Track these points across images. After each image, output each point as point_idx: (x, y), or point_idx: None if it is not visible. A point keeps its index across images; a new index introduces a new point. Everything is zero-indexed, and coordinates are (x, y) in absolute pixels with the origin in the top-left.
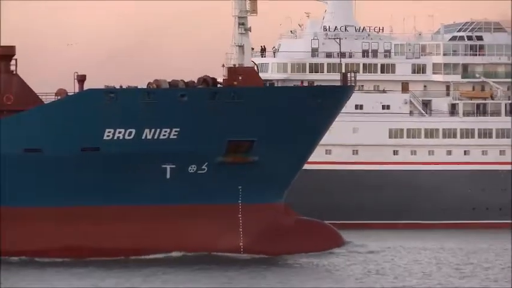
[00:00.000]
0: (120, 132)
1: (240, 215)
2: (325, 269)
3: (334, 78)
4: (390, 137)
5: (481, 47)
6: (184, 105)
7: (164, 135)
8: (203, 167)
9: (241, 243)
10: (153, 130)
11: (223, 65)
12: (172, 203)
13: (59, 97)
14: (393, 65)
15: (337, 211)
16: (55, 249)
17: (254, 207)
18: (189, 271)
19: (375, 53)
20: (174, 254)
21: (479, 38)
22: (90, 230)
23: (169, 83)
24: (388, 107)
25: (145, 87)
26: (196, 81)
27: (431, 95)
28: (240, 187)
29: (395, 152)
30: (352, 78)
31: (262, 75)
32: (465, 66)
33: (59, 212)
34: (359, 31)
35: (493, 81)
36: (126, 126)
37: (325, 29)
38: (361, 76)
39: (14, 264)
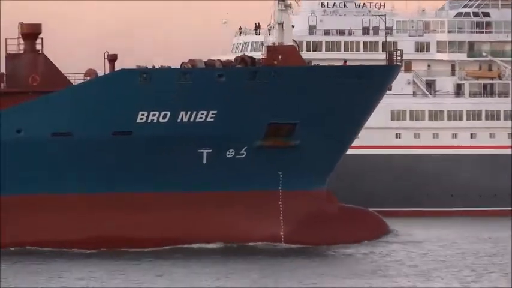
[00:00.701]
0: (154, 115)
1: (280, 203)
2: (363, 261)
3: (333, 57)
4: (392, 119)
5: (488, 24)
6: (222, 86)
7: (201, 118)
8: (242, 151)
9: (281, 233)
10: (189, 112)
11: (262, 43)
12: (208, 189)
13: (88, 78)
14: (395, 43)
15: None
16: (85, 240)
17: (295, 194)
18: (216, 263)
19: (375, 31)
20: (210, 245)
21: (486, 15)
22: (121, 219)
23: (205, 62)
24: (390, 87)
25: (179, 67)
26: (233, 61)
27: (435, 74)
28: (280, 173)
29: (397, 135)
30: (399, 57)
31: (256, 54)
32: (471, 44)
33: (88, 199)
34: (359, 7)
35: (501, 60)
36: (161, 109)
37: (323, 5)
38: (361, 55)
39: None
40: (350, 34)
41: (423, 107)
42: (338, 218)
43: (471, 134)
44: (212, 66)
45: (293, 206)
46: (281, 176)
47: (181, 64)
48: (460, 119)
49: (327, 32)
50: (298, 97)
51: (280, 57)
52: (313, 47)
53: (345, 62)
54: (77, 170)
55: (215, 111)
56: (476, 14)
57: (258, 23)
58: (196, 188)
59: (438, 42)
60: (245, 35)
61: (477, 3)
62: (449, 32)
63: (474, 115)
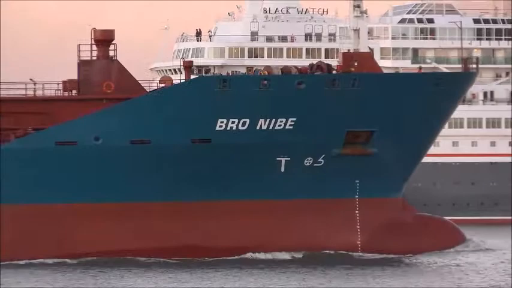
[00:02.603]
0: (233, 123)
1: (357, 211)
2: (448, 269)
3: (276, 63)
4: None
5: (432, 31)
6: (301, 93)
7: (280, 125)
8: (320, 159)
9: (359, 241)
10: (268, 120)
11: (337, 50)
12: (286, 197)
13: (162, 85)
14: (338, 50)
15: None
16: (163, 248)
17: (372, 202)
18: (302, 270)
19: (318, 37)
20: (287, 253)
21: (430, 21)
22: (198, 227)
23: (281, 69)
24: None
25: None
26: (308, 68)
27: None
28: (357, 181)
29: None
30: (474, 65)
31: (197, 61)
32: (415, 51)
33: (167, 207)
34: (302, 13)
35: (445, 67)
36: (240, 116)
37: (265, 11)
38: (303, 61)
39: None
40: (292, 40)
41: None
42: (414, 227)
43: None
44: (288, 73)
45: (370, 214)
46: (358, 184)
47: (254, 70)
48: None
49: (269, 39)
50: (377, 104)
51: (356, 63)
52: (255, 53)
53: (420, 69)
54: (155, 178)
55: (294, 119)
56: (420, 20)
57: (199, 29)
58: (274, 196)
59: (382, 49)
60: (186, 41)
61: (421, 9)
62: (393, 38)
63: None
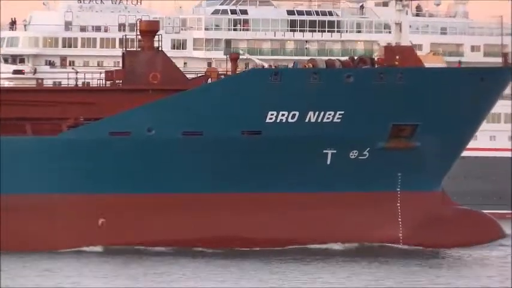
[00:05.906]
0: (283, 115)
1: (398, 204)
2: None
3: (89, 53)
4: None
5: (246, 22)
6: (350, 86)
7: (328, 118)
8: (365, 152)
9: (400, 234)
10: (317, 113)
11: (378, 44)
12: (331, 190)
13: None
14: None
15: None
16: (212, 239)
17: (413, 196)
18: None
19: (132, 27)
20: (330, 245)
21: (244, 12)
22: (248, 219)
23: (325, 62)
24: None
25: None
26: (350, 61)
27: (192, 72)
28: (399, 174)
29: None
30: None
31: (12, 50)
32: (228, 42)
33: (217, 199)
34: (116, 3)
35: (258, 59)
36: (290, 109)
37: (79, 1)
38: (117, 51)
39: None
40: (106, 30)
41: None
42: (454, 220)
43: None
44: (332, 66)
45: (411, 207)
46: (400, 177)
47: (294, 64)
48: None
49: (82, 29)
50: (421, 98)
51: (397, 57)
52: (68, 43)
53: (459, 63)
54: (206, 170)
55: (342, 112)
56: (233, 11)
57: (14, 19)
58: (319, 188)
59: (195, 40)
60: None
61: (235, 0)
62: (206, 29)
63: None
